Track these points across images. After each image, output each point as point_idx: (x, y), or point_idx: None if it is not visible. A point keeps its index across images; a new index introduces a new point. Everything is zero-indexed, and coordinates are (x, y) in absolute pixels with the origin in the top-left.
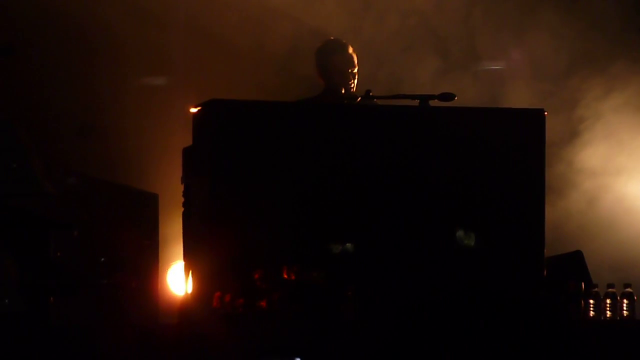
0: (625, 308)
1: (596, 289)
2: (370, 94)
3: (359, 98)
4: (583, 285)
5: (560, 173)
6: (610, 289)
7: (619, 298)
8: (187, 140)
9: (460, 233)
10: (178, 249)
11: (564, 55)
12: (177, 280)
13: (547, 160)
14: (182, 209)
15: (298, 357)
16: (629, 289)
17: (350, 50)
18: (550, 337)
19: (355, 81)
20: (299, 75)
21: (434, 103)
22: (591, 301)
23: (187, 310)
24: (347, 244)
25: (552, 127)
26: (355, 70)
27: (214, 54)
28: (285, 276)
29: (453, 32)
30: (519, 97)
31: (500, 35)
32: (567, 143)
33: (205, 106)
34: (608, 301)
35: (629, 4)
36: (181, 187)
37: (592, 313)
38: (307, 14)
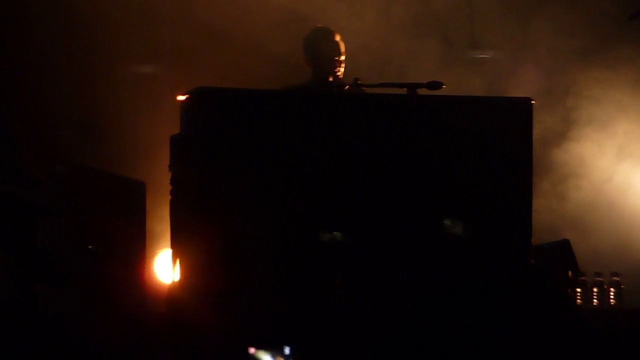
0: (612, 297)
1: (583, 278)
2: (358, 82)
3: (347, 86)
4: (570, 273)
5: (551, 163)
6: (597, 278)
7: (606, 287)
8: (174, 128)
9: (447, 222)
10: (165, 237)
11: (563, 46)
12: (165, 269)
13: (543, 151)
14: (170, 197)
15: (287, 346)
16: (616, 278)
17: (338, 37)
18: (538, 325)
19: (342, 68)
20: (290, 64)
21: (422, 91)
22: (578, 290)
23: (175, 298)
24: (336, 233)
25: (550, 117)
26: (342, 57)
27: (204, 43)
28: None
29: (455, 21)
30: (516, 88)
31: (502, 23)
32: (562, 134)
33: (193, 94)
34: (595, 290)
35: None
36: (168, 175)
37: (579, 302)
38: (301, 3)
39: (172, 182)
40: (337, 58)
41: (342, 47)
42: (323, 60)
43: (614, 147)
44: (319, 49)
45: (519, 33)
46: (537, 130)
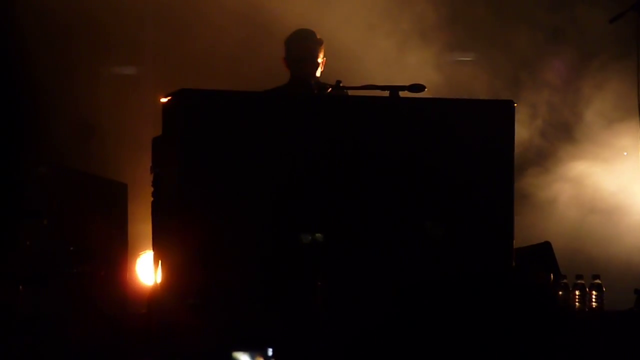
0: (594, 300)
1: (565, 281)
2: (341, 84)
3: (330, 89)
4: (552, 276)
5: (531, 165)
6: (579, 281)
7: (587, 289)
8: (157, 129)
9: (429, 223)
10: (147, 238)
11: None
12: (146, 270)
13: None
14: (151, 199)
15: (269, 347)
16: (597, 281)
17: (316, 39)
18: (518, 327)
19: (320, 70)
20: (274, 68)
21: (404, 94)
22: (560, 293)
23: (156, 300)
24: (317, 234)
25: (531, 119)
26: (320, 59)
27: (186, 45)
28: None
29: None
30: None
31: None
32: (538, 137)
33: (175, 96)
34: (577, 293)
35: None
36: (150, 177)
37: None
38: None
39: (154, 183)
40: (315, 59)
41: (320, 48)
42: (298, 61)
43: (593, 150)
44: (297, 50)
45: (501, 37)
46: (519, 132)
